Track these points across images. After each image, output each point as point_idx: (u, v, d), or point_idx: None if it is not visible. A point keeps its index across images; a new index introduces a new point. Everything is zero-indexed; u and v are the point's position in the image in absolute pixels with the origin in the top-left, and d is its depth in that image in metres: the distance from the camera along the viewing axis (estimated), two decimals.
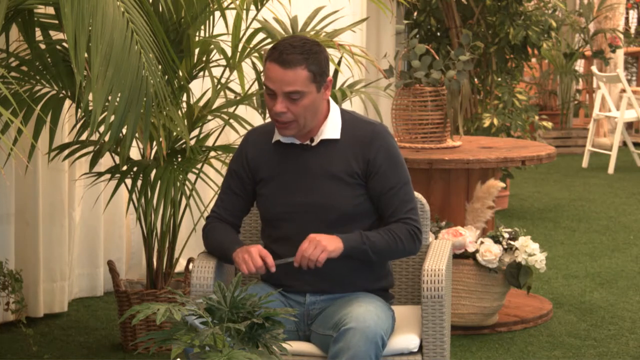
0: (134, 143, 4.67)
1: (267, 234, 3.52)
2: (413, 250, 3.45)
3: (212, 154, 4.64)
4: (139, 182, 4.42)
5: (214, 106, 4.61)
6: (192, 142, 4.65)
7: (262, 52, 4.61)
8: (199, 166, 4.53)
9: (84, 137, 4.58)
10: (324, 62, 3.34)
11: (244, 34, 4.63)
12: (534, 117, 7.86)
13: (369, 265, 3.46)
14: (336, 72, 4.89)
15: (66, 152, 4.60)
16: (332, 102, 3.46)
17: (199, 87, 5.08)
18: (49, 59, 4.35)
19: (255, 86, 4.74)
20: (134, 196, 4.56)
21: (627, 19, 12.95)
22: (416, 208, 3.46)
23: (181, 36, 4.44)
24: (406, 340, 3.38)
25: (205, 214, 4.02)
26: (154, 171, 4.40)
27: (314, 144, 3.42)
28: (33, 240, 4.99)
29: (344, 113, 3.48)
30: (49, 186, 5.06)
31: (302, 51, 3.28)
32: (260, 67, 4.73)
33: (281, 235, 3.43)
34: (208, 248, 3.55)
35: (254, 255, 3.33)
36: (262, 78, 3.38)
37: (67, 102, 4.59)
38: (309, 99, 3.32)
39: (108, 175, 4.54)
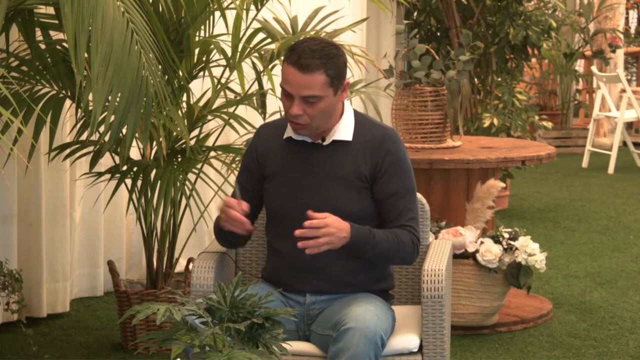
0: (134, 143, 4.67)
1: (270, 229, 3.51)
2: (410, 259, 3.43)
3: (212, 154, 4.64)
4: (139, 182, 4.42)
5: (214, 106, 4.61)
6: (192, 142, 4.65)
7: (262, 52, 4.61)
8: (199, 166, 4.53)
9: (84, 137, 4.58)
10: (342, 66, 3.33)
11: (244, 34, 4.63)
12: (534, 117, 7.86)
13: (371, 267, 3.46)
14: None
15: (66, 152, 4.60)
16: (347, 103, 3.46)
17: (199, 87, 5.08)
18: (49, 59, 4.35)
19: (255, 86, 4.74)
20: (134, 196, 4.56)
21: (627, 19, 12.95)
22: (417, 219, 3.45)
23: (181, 36, 4.44)
24: (406, 340, 3.38)
25: (206, 214, 4.03)
26: (154, 171, 4.40)
27: (325, 143, 3.42)
28: (36, 241, 4.99)
29: (358, 115, 3.47)
30: (51, 186, 5.06)
31: (320, 55, 3.27)
32: (260, 67, 4.73)
33: (285, 232, 3.42)
34: (217, 240, 3.56)
35: (226, 211, 3.33)
36: (279, 79, 3.37)
37: (67, 102, 4.59)
38: (325, 102, 3.31)
39: (108, 175, 4.54)
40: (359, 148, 3.41)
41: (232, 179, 5.21)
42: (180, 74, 4.44)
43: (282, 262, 3.45)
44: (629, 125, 11.43)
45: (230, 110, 4.65)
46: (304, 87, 3.27)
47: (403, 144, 3.46)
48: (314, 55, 3.26)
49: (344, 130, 3.41)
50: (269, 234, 3.53)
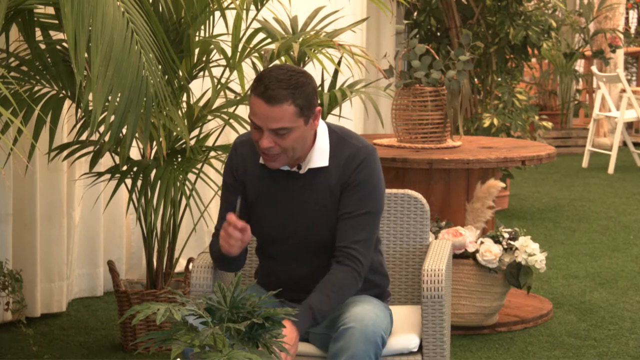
0: (134, 143, 4.67)
1: (260, 251, 3.50)
2: (355, 291, 3.33)
3: (212, 154, 4.64)
4: (139, 182, 4.42)
5: (214, 106, 4.62)
6: (192, 142, 4.66)
7: (262, 52, 4.61)
8: (199, 166, 4.54)
9: (84, 137, 4.58)
10: (312, 94, 3.19)
11: (244, 34, 4.63)
12: (534, 117, 7.86)
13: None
14: (336, 72, 4.90)
15: (66, 152, 4.60)
16: (321, 123, 3.32)
17: (199, 87, 5.08)
18: (49, 59, 4.35)
19: None
20: (134, 196, 4.56)
21: (627, 19, 12.96)
22: (369, 240, 3.29)
23: (181, 36, 4.44)
24: (406, 340, 3.38)
25: (206, 214, 4.02)
26: (154, 171, 4.40)
27: (301, 171, 3.32)
28: (31, 241, 4.99)
29: (332, 134, 3.33)
30: (47, 186, 5.06)
31: (287, 85, 3.13)
32: (260, 67, 4.73)
33: (275, 254, 3.41)
34: (215, 264, 3.48)
35: (228, 230, 3.20)
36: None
37: (67, 102, 4.59)
38: (296, 133, 3.19)
39: (108, 175, 4.54)
40: (334, 172, 3.30)
41: None
42: (180, 74, 4.45)
43: (276, 279, 3.41)
44: (629, 125, 11.44)
45: (230, 110, 4.65)
46: (272, 120, 3.14)
47: (375, 162, 3.32)
48: (281, 86, 3.13)
49: (319, 157, 3.30)
50: (260, 254, 3.51)
